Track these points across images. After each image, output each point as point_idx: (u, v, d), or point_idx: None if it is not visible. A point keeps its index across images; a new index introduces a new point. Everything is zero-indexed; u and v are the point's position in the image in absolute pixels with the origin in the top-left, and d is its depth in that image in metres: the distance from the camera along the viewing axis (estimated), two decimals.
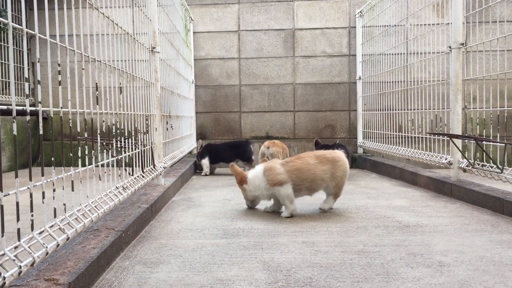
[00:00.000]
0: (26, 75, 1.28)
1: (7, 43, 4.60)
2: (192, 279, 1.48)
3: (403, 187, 3.45)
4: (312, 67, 5.19)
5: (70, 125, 1.56)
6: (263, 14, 5.18)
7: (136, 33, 2.54)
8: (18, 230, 1.16)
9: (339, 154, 2.49)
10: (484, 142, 2.61)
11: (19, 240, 1.17)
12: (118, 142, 2.11)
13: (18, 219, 1.15)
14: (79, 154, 1.62)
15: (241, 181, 2.52)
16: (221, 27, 5.20)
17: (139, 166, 2.48)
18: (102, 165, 1.90)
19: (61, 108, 1.46)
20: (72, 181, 1.52)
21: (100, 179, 1.82)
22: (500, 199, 2.43)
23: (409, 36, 4.53)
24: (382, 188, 3.41)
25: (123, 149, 2.21)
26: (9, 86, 4.73)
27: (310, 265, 1.61)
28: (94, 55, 1.82)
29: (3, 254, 1.09)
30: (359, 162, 5.00)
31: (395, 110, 4.15)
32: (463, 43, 2.98)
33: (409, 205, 2.73)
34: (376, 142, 4.60)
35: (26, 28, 1.25)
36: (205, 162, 4.41)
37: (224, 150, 4.45)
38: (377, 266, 1.59)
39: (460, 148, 2.96)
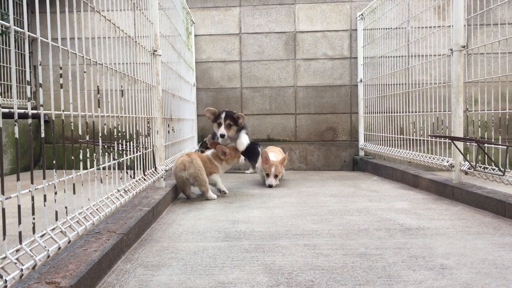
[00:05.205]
0: (28, 78, 1.28)
1: (9, 46, 4.61)
2: (194, 282, 1.48)
3: (405, 190, 3.44)
4: (313, 70, 5.19)
5: (72, 128, 1.56)
6: (264, 17, 5.18)
7: (138, 36, 2.55)
8: (20, 233, 1.16)
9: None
10: (485, 145, 2.61)
11: (20, 243, 1.17)
12: (120, 145, 2.12)
13: (19, 222, 1.15)
14: (81, 157, 1.62)
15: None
16: (223, 30, 5.21)
17: (140, 169, 2.48)
18: (104, 168, 1.90)
19: (63, 111, 1.46)
20: (74, 184, 1.52)
21: (101, 182, 1.82)
22: (502, 202, 2.43)
23: (410, 39, 4.53)
24: (384, 191, 3.41)
25: (124, 152, 2.21)
26: (11, 89, 4.74)
27: (312, 268, 1.60)
28: (95, 58, 1.82)
29: (4, 257, 1.09)
30: (360, 164, 4.99)
31: (397, 112, 4.15)
32: (465, 46, 2.98)
33: (411, 207, 2.72)
34: (378, 145, 4.59)
35: (28, 31, 1.25)
36: None
37: None
38: (379, 269, 1.59)
39: (462, 151, 2.95)
